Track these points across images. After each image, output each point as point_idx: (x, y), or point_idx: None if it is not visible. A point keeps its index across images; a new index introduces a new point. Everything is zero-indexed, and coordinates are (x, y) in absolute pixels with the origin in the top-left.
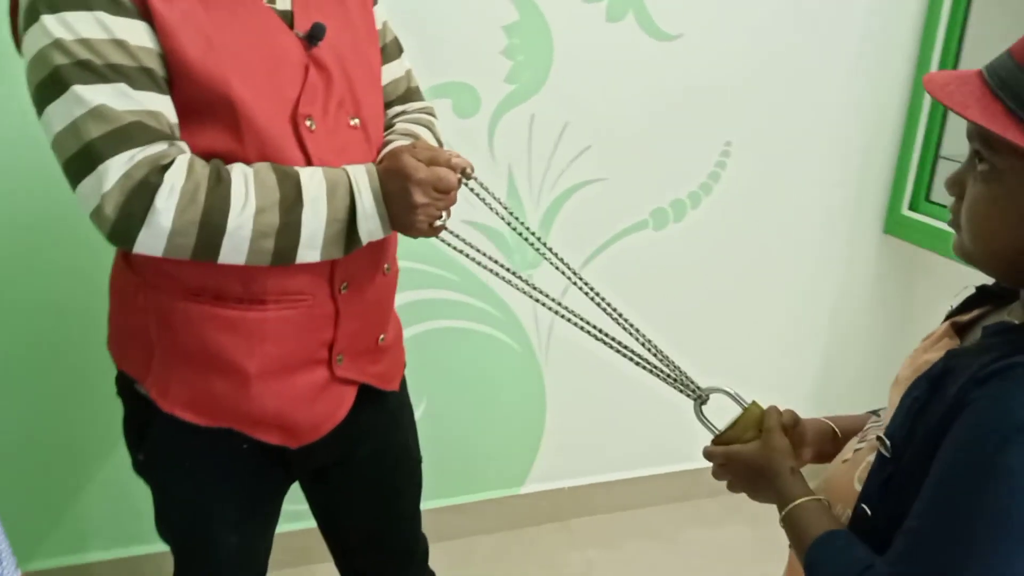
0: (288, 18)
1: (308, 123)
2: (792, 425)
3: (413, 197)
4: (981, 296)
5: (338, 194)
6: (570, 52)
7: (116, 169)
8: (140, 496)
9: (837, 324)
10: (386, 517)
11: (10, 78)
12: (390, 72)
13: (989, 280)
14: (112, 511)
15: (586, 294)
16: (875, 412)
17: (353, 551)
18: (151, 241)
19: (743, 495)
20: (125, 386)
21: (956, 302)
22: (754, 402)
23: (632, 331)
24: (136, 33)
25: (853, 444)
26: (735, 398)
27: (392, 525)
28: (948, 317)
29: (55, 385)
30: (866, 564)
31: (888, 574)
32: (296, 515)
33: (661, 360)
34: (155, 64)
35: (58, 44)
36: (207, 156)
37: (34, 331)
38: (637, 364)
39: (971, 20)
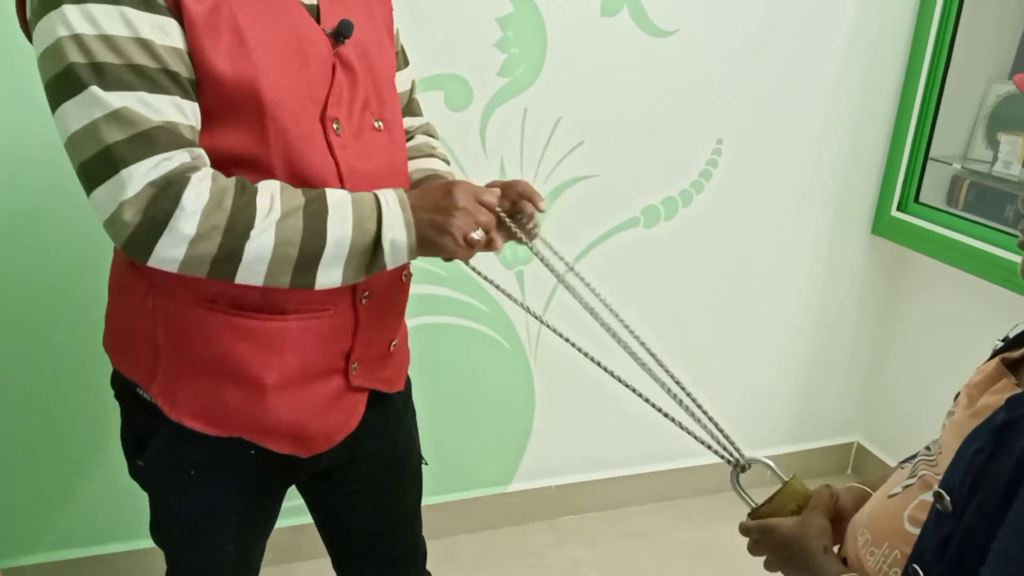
0: (315, 13)
1: (335, 126)
2: (834, 503)
3: (454, 197)
4: None
5: (365, 201)
6: (564, 46)
7: (140, 176)
8: (123, 493)
9: (824, 323)
10: (389, 518)
11: (17, 68)
12: (398, 82)
13: None
14: (92, 506)
15: (635, 351)
16: (908, 460)
17: (355, 552)
18: (170, 250)
19: None
20: (125, 389)
21: (1012, 333)
22: (794, 476)
23: (675, 385)
24: (164, 32)
25: (901, 478)
26: (776, 471)
27: (395, 526)
28: (997, 353)
29: (34, 377)
30: None
31: None
32: (284, 512)
33: (702, 418)
34: (181, 67)
35: (77, 39)
36: (230, 158)
37: (24, 323)
38: (676, 424)
39: (962, 20)
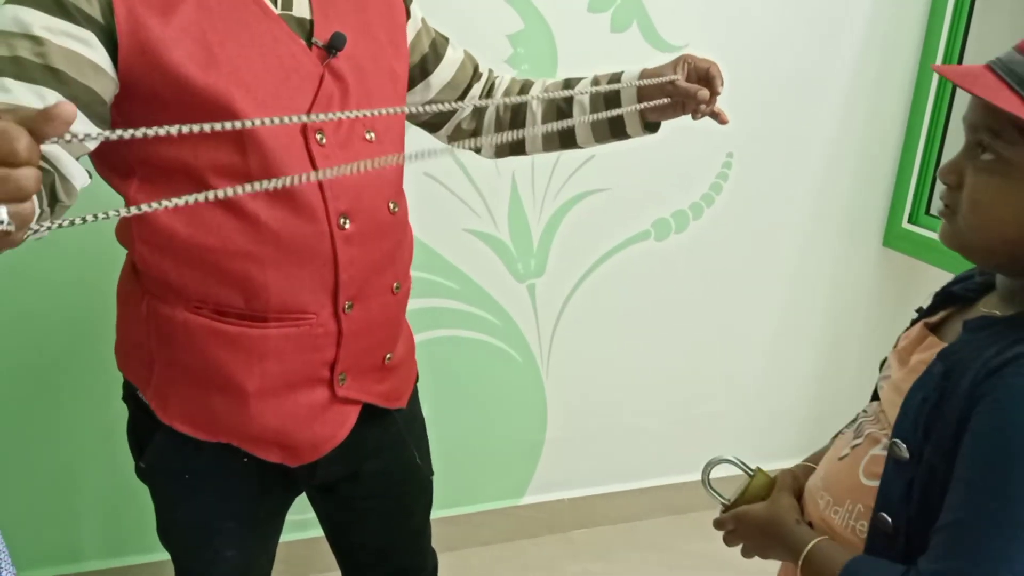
0: (307, 27)
1: (318, 136)
2: (797, 484)
3: None
4: (944, 299)
5: None
6: (574, 61)
7: None
8: (138, 506)
9: (835, 335)
10: (396, 534)
11: None
12: (450, 62)
13: (945, 284)
14: (110, 520)
15: None
16: (841, 432)
17: (362, 566)
18: None
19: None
20: (130, 392)
21: (926, 304)
22: (758, 468)
23: None
24: (70, 36)
25: (846, 442)
26: (740, 466)
27: (402, 541)
28: (919, 319)
29: (53, 392)
30: (905, 569)
31: (932, 571)
32: (298, 525)
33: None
34: (69, 67)
35: None
36: (209, 168)
37: (33, 336)
38: None
39: (971, 35)
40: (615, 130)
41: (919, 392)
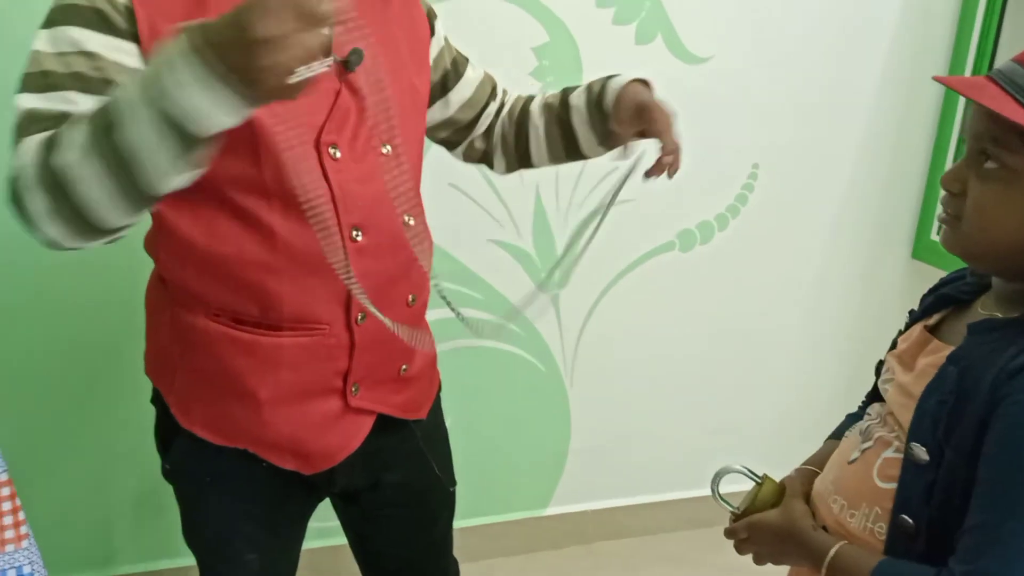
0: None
1: (332, 150)
2: (805, 488)
3: (252, 22)
4: (939, 301)
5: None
6: (599, 73)
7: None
8: (170, 510)
9: (862, 348)
10: (417, 544)
11: None
12: (469, 80)
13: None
14: (142, 524)
15: None
16: (837, 435)
17: (385, 574)
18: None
19: None
20: (157, 395)
21: (918, 307)
22: (765, 475)
23: None
24: (119, 51)
25: (853, 445)
26: (747, 474)
27: (423, 551)
28: (912, 321)
29: (86, 398)
30: (937, 570)
31: (964, 572)
32: (323, 532)
33: None
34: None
35: (35, 57)
36: (226, 180)
37: (65, 345)
38: None
39: (1000, 45)
40: (604, 138)
41: (934, 395)
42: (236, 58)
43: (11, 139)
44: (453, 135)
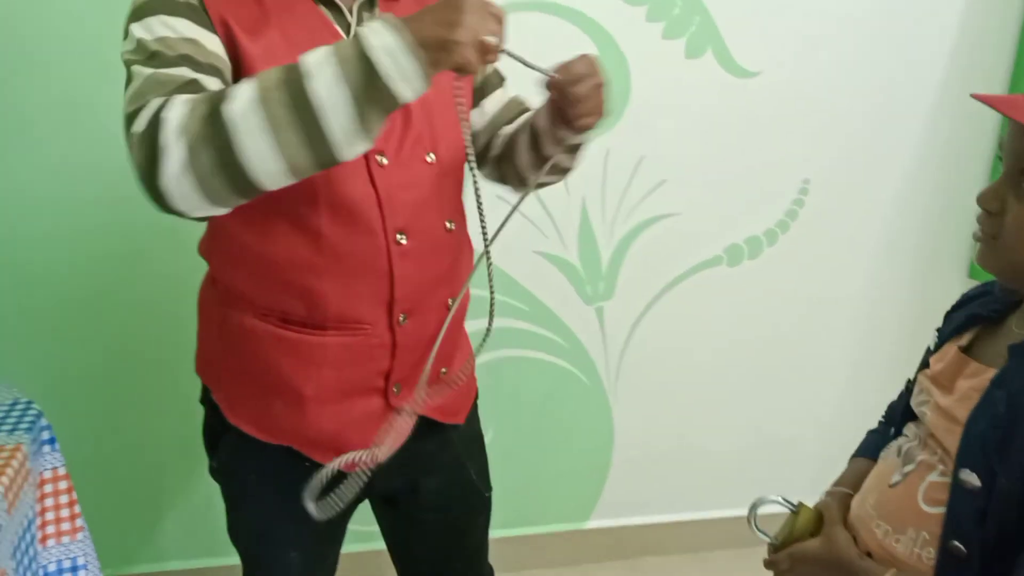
0: None
1: (379, 158)
2: (843, 513)
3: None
4: (969, 319)
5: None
6: (648, 88)
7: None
8: (220, 508)
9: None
10: (453, 549)
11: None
12: (495, 100)
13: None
14: (193, 521)
15: None
16: (865, 454)
17: None
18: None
19: None
20: (205, 394)
21: (944, 327)
22: (801, 503)
23: None
24: (211, 40)
25: (893, 467)
26: (783, 503)
27: (459, 557)
28: (941, 343)
29: (140, 398)
30: None
31: None
32: (365, 536)
33: None
34: (223, 66)
35: (139, 43)
36: None
37: (121, 343)
38: None
39: None
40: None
41: (982, 420)
42: (439, 28)
43: (130, 101)
44: (483, 149)
